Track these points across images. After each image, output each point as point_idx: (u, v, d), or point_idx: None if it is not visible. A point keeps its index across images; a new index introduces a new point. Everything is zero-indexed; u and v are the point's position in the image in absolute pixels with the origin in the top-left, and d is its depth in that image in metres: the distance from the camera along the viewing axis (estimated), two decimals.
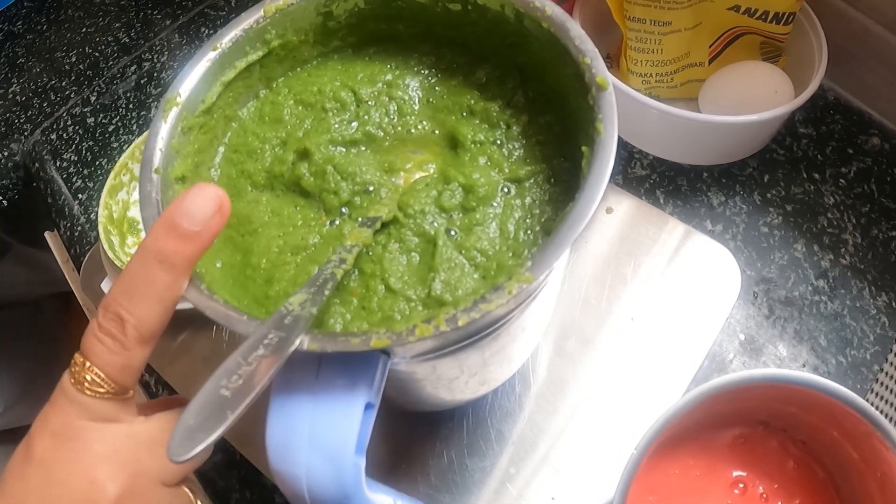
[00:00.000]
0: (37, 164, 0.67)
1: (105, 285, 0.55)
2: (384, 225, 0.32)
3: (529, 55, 0.36)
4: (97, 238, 0.55)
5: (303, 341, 0.26)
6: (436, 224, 0.32)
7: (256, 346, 0.25)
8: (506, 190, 0.33)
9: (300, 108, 0.37)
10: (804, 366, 0.50)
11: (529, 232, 0.32)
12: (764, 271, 0.53)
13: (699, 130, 0.53)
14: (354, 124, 0.37)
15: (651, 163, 0.58)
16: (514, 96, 0.36)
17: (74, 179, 0.65)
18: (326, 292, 0.28)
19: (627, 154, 0.58)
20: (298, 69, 0.39)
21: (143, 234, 0.30)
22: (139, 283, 0.27)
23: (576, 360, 0.49)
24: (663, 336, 0.50)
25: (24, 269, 0.96)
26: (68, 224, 0.63)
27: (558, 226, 0.27)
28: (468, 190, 0.33)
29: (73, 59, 0.74)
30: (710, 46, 0.56)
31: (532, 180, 0.33)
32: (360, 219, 0.33)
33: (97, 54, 0.74)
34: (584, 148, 0.30)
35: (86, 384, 0.27)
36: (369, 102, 0.37)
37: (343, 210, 0.34)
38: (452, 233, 0.32)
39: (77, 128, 0.68)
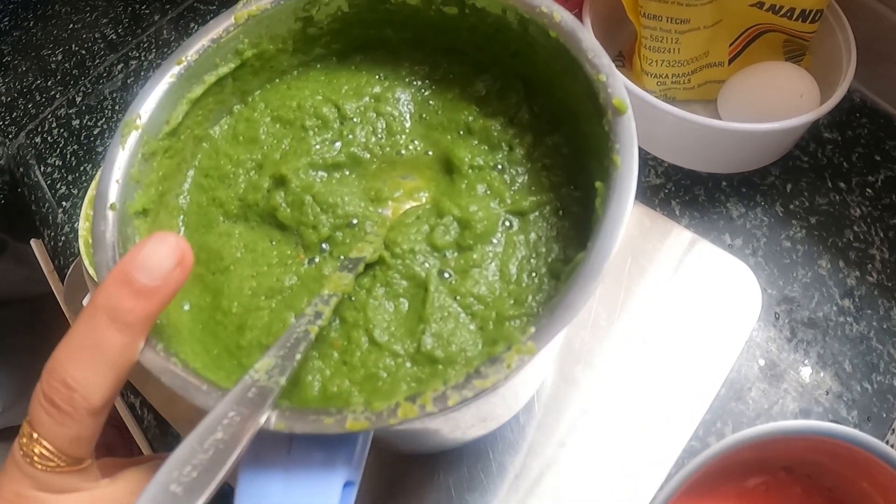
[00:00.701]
0: (21, 169, 0.63)
1: (87, 301, 0.51)
2: (369, 266, 0.28)
3: (535, 66, 0.31)
4: (79, 251, 0.50)
5: (269, 419, 0.22)
6: (427, 265, 0.28)
7: (214, 429, 0.21)
8: (507, 224, 0.29)
9: (277, 125, 0.32)
10: (827, 393, 0.45)
11: (534, 275, 0.27)
12: (786, 290, 0.48)
13: (718, 137, 0.48)
14: (338, 144, 0.32)
15: (666, 170, 0.52)
16: (517, 112, 0.31)
17: (59, 186, 0.61)
18: (298, 356, 0.23)
19: (641, 161, 0.53)
20: (277, 80, 0.34)
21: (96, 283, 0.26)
22: (88, 346, 0.22)
23: (583, 387, 0.45)
24: (678, 361, 0.45)
25: (22, 266, 0.92)
26: (52, 233, 0.59)
27: (566, 281, 0.22)
28: (464, 225, 0.28)
29: (60, 58, 0.70)
30: (731, 45, 0.50)
31: (537, 213, 0.29)
32: (341, 258, 0.29)
33: (84, 52, 0.69)
34: (597, 184, 0.25)
35: (35, 458, 0.23)
36: (354, 119, 0.32)
37: (323, 246, 0.29)
38: (446, 275, 0.28)
39: (62, 130, 0.64)
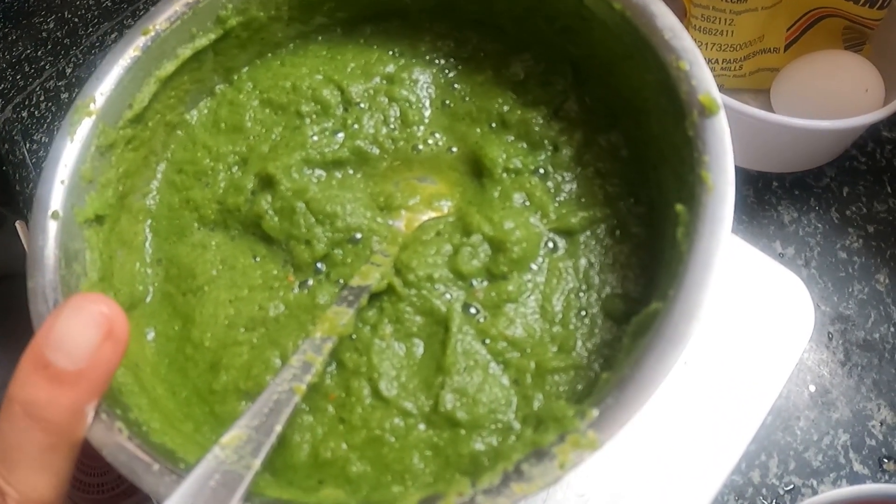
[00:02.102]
0: (6, 146, 0.57)
1: None
2: (375, 296, 0.21)
3: (590, 46, 0.23)
4: None
5: None
6: (449, 297, 0.21)
7: None
8: (551, 246, 0.22)
9: (267, 111, 0.25)
10: (882, 424, 0.39)
11: (584, 314, 0.21)
12: (840, 307, 0.41)
13: (771, 132, 0.41)
14: (340, 136, 0.25)
15: None
16: (564, 102, 0.24)
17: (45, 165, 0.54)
18: (278, 427, 0.17)
19: None
20: (269, 55, 0.27)
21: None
22: (12, 446, 0.18)
23: None
24: (720, 384, 0.39)
25: (21, 240, 0.87)
26: None
27: (638, 343, 0.16)
28: (497, 246, 0.21)
29: (52, 26, 0.63)
30: (788, 30, 0.43)
31: (589, 232, 0.22)
32: (340, 282, 0.22)
33: (76, 20, 0.63)
34: (679, 207, 0.18)
35: None
36: (361, 105, 0.25)
37: (318, 266, 0.22)
38: (473, 311, 0.21)
39: (50, 104, 0.57)
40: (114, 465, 0.17)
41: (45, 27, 0.63)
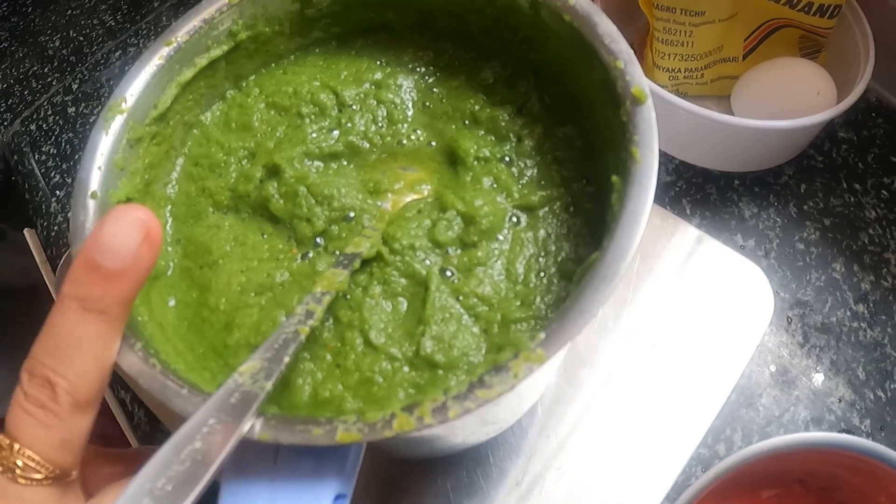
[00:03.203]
0: (16, 157, 0.61)
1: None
2: (366, 262, 0.26)
3: (547, 53, 0.28)
4: None
5: (253, 427, 0.20)
6: (428, 262, 0.26)
7: (193, 438, 0.19)
8: (515, 220, 0.27)
9: (272, 112, 0.30)
10: (840, 401, 0.43)
11: (542, 274, 0.25)
12: (799, 293, 0.46)
13: (732, 134, 0.46)
14: (335, 133, 0.30)
15: (677, 168, 0.50)
16: (527, 101, 0.29)
17: (53, 174, 0.59)
18: (286, 359, 0.21)
19: None
20: (273, 65, 0.32)
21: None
22: (65, 339, 0.21)
23: (588, 390, 0.43)
24: (687, 365, 0.43)
25: (19, 256, 0.90)
26: (45, 223, 0.57)
27: (580, 283, 0.20)
28: (468, 220, 0.26)
29: (57, 44, 0.67)
30: (746, 40, 0.48)
31: (547, 208, 0.26)
32: (336, 253, 0.26)
33: (81, 38, 0.67)
34: (614, 178, 0.23)
35: (18, 471, 0.21)
36: (353, 106, 0.30)
37: (318, 241, 0.27)
38: (448, 274, 0.25)
39: (57, 118, 0.61)
40: (149, 390, 0.21)
41: (52, 45, 0.68)
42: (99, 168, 0.26)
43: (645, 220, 0.21)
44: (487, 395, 0.19)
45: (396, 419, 0.19)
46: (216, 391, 0.20)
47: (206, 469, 0.18)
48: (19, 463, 0.21)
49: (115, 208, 0.21)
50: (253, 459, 0.22)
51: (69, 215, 0.55)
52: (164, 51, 0.28)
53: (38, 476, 0.21)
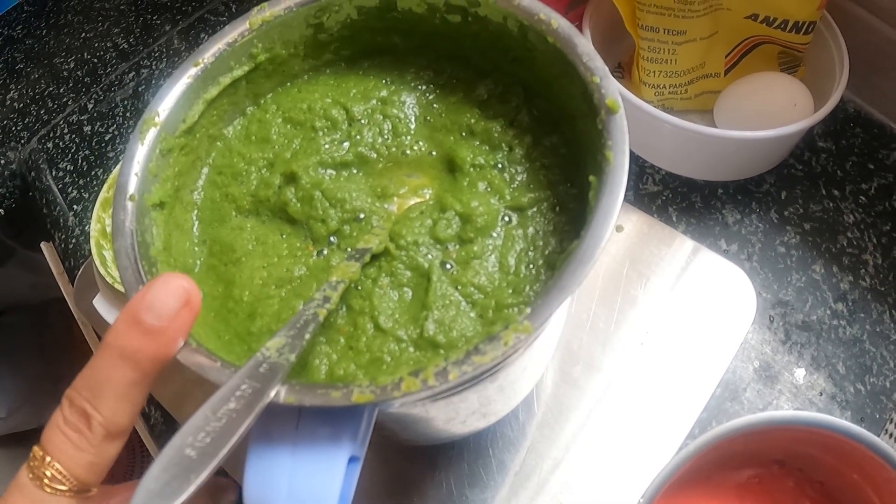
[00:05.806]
0: (33, 174, 0.65)
1: (97, 302, 0.53)
2: (375, 257, 0.30)
3: (534, 71, 0.33)
4: (91, 251, 0.52)
5: (279, 393, 0.24)
6: (430, 256, 0.30)
7: (227, 399, 0.23)
8: (507, 219, 0.31)
9: (288, 126, 0.34)
10: (821, 394, 0.47)
11: (532, 266, 0.29)
12: (780, 294, 0.49)
13: (714, 145, 0.50)
14: (346, 144, 0.34)
15: (663, 178, 0.54)
16: (517, 115, 0.33)
17: (70, 190, 0.63)
18: (307, 336, 0.25)
19: (639, 168, 0.55)
20: (288, 84, 0.36)
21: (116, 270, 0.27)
22: (102, 379, 0.24)
23: (582, 387, 0.46)
24: (674, 362, 0.47)
25: (28, 273, 0.94)
26: (62, 236, 0.61)
27: (561, 266, 0.24)
28: (466, 219, 0.30)
29: (72, 66, 0.72)
30: (727, 56, 0.52)
31: (535, 208, 0.31)
32: (348, 250, 0.30)
33: (95, 60, 0.72)
34: (591, 178, 0.27)
35: (45, 480, 0.24)
36: (362, 121, 0.34)
37: (331, 239, 0.31)
38: (448, 266, 0.29)
39: (73, 136, 0.66)
40: (186, 363, 0.25)
41: (66, 67, 0.72)
42: (136, 174, 0.30)
43: (617, 211, 0.25)
44: (482, 361, 0.23)
45: (404, 382, 0.23)
46: (247, 362, 0.24)
47: (240, 425, 0.22)
48: (48, 473, 0.24)
49: (163, 275, 0.24)
50: (277, 426, 0.25)
51: (87, 228, 0.58)
52: (193, 71, 0.32)
53: (62, 487, 0.25)
